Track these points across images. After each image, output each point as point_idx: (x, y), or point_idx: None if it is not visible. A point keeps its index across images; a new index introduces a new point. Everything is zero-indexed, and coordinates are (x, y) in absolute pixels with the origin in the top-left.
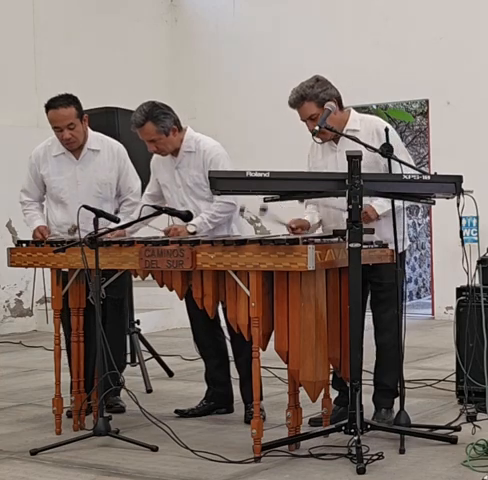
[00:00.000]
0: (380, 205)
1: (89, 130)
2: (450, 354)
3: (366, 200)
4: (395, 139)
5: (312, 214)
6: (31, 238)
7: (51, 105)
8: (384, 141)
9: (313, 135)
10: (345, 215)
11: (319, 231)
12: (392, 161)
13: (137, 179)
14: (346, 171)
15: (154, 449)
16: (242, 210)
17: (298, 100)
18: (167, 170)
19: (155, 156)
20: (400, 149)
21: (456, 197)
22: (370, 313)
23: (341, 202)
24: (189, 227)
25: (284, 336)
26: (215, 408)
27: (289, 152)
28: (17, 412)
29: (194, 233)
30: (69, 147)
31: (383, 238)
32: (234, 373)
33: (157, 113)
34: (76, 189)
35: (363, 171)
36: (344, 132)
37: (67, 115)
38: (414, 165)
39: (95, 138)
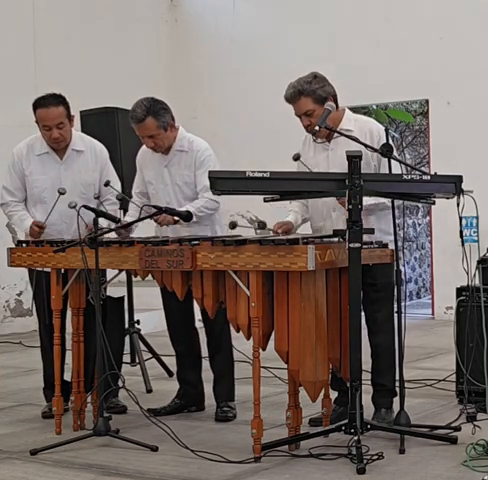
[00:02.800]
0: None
1: (73, 131)
2: (450, 354)
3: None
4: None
5: (295, 213)
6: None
7: (41, 104)
8: (377, 142)
9: (313, 135)
10: (335, 214)
11: (308, 229)
12: (384, 162)
13: (118, 181)
14: (337, 170)
15: (154, 449)
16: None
17: (295, 95)
18: (153, 167)
19: (141, 152)
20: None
21: (456, 197)
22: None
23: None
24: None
25: (284, 336)
26: (186, 406)
27: (289, 152)
28: (17, 412)
29: (177, 222)
30: (56, 146)
31: (372, 237)
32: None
33: (158, 108)
34: None
35: None
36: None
37: (57, 114)
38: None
39: (79, 138)
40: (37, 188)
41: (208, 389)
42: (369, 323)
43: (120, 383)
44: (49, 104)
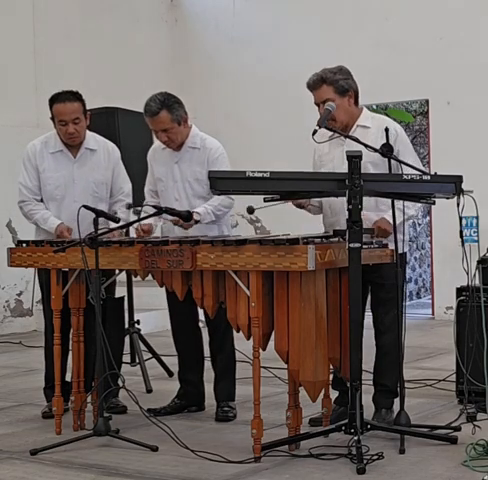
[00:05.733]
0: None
1: (86, 130)
2: (450, 354)
3: (368, 202)
4: (403, 141)
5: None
6: (33, 238)
7: (58, 99)
8: (394, 140)
9: (313, 135)
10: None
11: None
12: (402, 157)
13: (128, 181)
14: None
15: (154, 449)
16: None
17: (318, 82)
18: (163, 164)
19: (151, 150)
20: (407, 151)
21: (456, 197)
22: (369, 313)
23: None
24: (195, 215)
25: (284, 336)
26: (186, 406)
27: (289, 152)
28: (17, 412)
29: (198, 222)
30: (72, 142)
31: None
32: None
33: (172, 102)
34: (72, 187)
35: (369, 169)
36: (354, 127)
37: (74, 109)
38: (421, 168)
39: (92, 137)
40: (50, 185)
41: (208, 389)
42: (377, 324)
43: (120, 383)
44: (66, 99)
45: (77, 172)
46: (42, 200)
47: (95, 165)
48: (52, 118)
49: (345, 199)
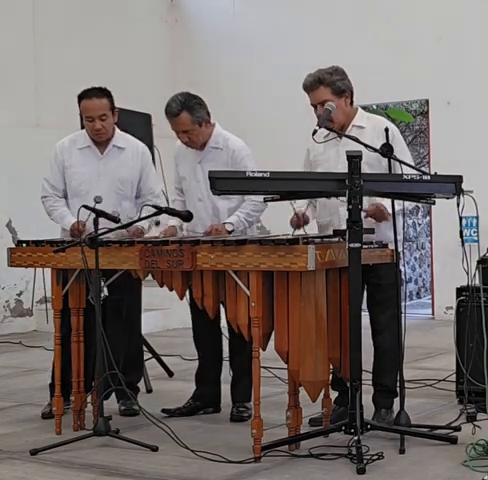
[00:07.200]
0: (390, 205)
1: (116, 128)
2: (450, 354)
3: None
4: (399, 141)
5: (311, 208)
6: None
7: (85, 95)
8: (391, 140)
9: (313, 135)
10: (342, 209)
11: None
12: (393, 162)
13: (159, 182)
14: (346, 165)
15: (154, 449)
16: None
17: (315, 83)
18: (188, 163)
19: (177, 148)
20: (403, 152)
21: (456, 197)
22: (366, 313)
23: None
24: (227, 226)
25: (284, 336)
26: (201, 407)
27: (289, 152)
28: (17, 412)
29: (232, 231)
30: (98, 138)
31: (382, 237)
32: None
33: (193, 103)
34: (97, 183)
35: (365, 169)
36: (350, 127)
37: (101, 105)
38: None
39: (121, 136)
40: (75, 181)
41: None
42: (373, 323)
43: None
44: (93, 95)
45: (103, 168)
46: (65, 197)
47: (122, 163)
48: (81, 114)
49: (339, 199)
